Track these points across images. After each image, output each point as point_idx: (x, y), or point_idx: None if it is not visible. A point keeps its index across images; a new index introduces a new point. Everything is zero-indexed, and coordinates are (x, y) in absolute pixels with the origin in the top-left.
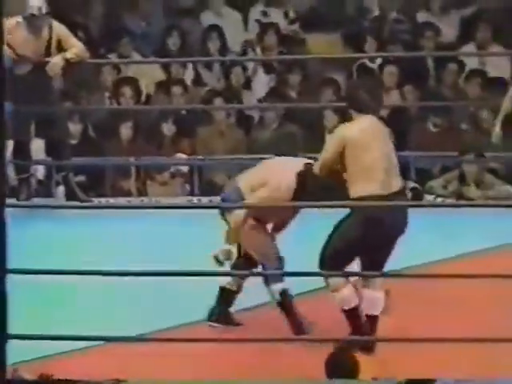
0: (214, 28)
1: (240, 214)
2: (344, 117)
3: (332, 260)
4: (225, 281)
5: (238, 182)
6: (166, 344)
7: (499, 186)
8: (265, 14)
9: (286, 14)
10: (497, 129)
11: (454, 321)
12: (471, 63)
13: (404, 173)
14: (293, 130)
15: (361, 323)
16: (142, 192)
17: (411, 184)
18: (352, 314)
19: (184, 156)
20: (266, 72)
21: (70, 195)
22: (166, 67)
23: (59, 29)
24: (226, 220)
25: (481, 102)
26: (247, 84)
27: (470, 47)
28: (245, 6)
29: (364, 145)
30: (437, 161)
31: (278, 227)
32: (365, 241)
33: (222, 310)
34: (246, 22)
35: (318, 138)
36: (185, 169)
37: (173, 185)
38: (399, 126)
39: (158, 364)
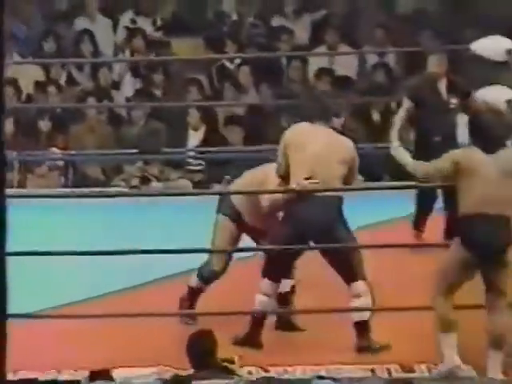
0: (86, 32)
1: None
2: (206, 115)
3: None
4: None
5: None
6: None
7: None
8: (133, 21)
9: (153, 22)
10: (394, 143)
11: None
12: (322, 63)
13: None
14: (158, 127)
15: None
16: (22, 184)
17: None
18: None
19: (58, 150)
20: (133, 74)
21: None
22: (45, 68)
23: None
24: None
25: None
26: (115, 84)
27: (321, 48)
28: (115, 13)
29: (298, 145)
30: None
31: None
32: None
33: None
34: (115, 27)
35: (181, 134)
36: (60, 162)
37: (50, 177)
38: (256, 122)
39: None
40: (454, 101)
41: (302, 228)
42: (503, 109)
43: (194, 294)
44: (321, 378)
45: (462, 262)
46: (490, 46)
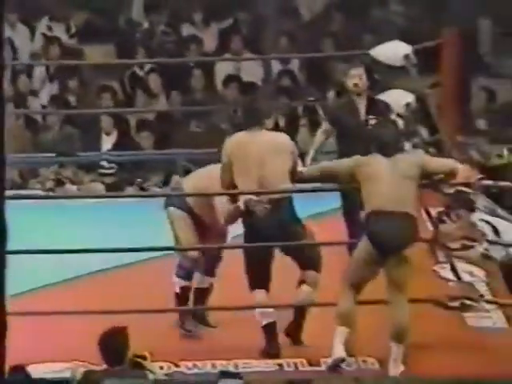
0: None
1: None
2: (118, 120)
3: None
4: None
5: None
6: None
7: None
8: (49, 28)
9: (67, 29)
10: (308, 161)
11: None
12: (229, 71)
13: (172, 169)
14: (72, 132)
15: None
16: None
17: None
18: None
19: None
20: (50, 80)
21: None
22: None
23: None
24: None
25: (238, 103)
26: (33, 91)
27: (227, 55)
28: (32, 21)
29: (240, 155)
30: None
31: None
32: None
33: None
34: (33, 34)
35: (94, 139)
36: None
37: None
38: (165, 127)
39: None
40: (372, 121)
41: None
42: (402, 112)
43: (183, 298)
44: (224, 373)
45: (367, 258)
46: (389, 52)
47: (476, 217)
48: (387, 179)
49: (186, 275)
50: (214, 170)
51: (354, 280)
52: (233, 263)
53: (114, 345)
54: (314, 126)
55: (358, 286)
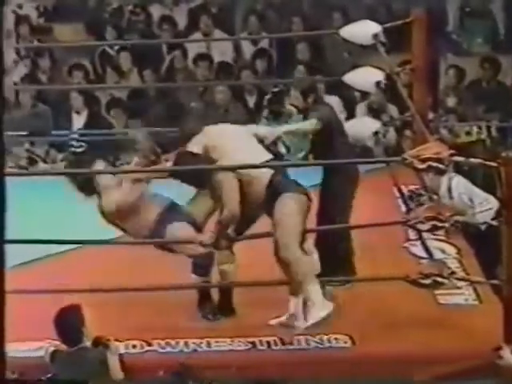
0: None
1: None
2: (89, 98)
3: None
4: None
5: None
6: None
7: None
8: (20, 6)
9: (37, 8)
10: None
11: None
12: (200, 49)
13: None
14: (44, 110)
15: None
16: None
17: None
18: None
19: None
20: (20, 59)
21: None
22: None
23: None
24: None
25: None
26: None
27: (197, 35)
28: None
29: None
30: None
31: None
32: None
33: None
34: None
35: (64, 116)
36: None
37: None
38: (137, 106)
39: None
40: None
41: None
42: (372, 90)
43: (205, 294)
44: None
45: (303, 209)
46: (358, 31)
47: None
48: None
49: (204, 272)
50: None
51: (300, 236)
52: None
53: (68, 323)
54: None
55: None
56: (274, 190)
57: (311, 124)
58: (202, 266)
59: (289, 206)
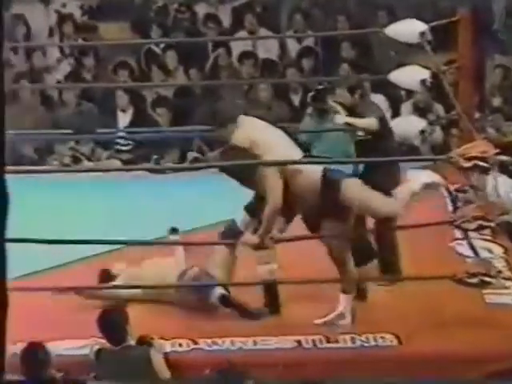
0: (19, 17)
1: None
2: (134, 96)
3: None
4: None
5: None
6: None
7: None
8: (64, 5)
9: (81, 7)
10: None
11: None
12: (245, 47)
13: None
14: (89, 108)
15: None
16: None
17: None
18: None
19: None
20: (65, 58)
21: None
22: None
23: None
24: None
25: (254, 80)
26: (48, 68)
27: (242, 33)
28: None
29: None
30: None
31: None
32: None
33: None
34: (47, 12)
35: (109, 114)
36: None
37: None
38: (183, 104)
39: None
40: None
41: None
42: (418, 89)
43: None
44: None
45: None
46: (404, 29)
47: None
48: None
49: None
50: None
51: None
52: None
53: (113, 321)
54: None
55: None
56: (331, 180)
57: (371, 124)
58: None
59: (359, 184)
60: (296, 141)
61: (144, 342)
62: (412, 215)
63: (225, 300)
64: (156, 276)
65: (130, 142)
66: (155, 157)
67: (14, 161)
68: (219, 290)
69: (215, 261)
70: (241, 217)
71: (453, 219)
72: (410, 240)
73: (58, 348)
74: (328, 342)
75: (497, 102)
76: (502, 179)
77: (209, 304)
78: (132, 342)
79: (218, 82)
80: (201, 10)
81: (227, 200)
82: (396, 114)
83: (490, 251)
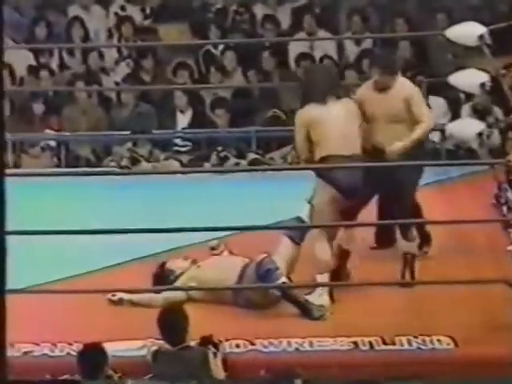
0: (76, 19)
1: None
2: (193, 98)
3: None
4: None
5: None
6: None
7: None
8: (122, 8)
9: (142, 10)
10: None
11: None
12: (302, 49)
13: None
14: (147, 110)
15: None
16: (17, 164)
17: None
18: None
19: (52, 132)
20: (124, 59)
21: None
22: (36, 54)
23: None
24: None
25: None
26: (105, 69)
27: (301, 35)
28: (107, 2)
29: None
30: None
31: None
32: None
33: None
34: (107, 15)
35: (169, 116)
36: (53, 143)
37: (43, 158)
38: (241, 105)
39: None
40: None
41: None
42: (477, 92)
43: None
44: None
45: (334, 205)
46: (463, 32)
47: None
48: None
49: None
50: None
51: (329, 231)
52: None
53: (173, 322)
54: None
55: (334, 235)
56: None
57: (429, 125)
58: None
59: None
60: None
61: (203, 342)
62: (467, 217)
63: (285, 293)
64: (216, 277)
65: (188, 143)
66: (220, 149)
67: (70, 162)
68: (282, 278)
69: (280, 254)
70: (305, 212)
71: (506, 220)
72: (466, 243)
73: (115, 349)
74: (384, 343)
75: None
76: None
77: (269, 296)
78: (191, 343)
79: (275, 84)
80: (259, 11)
81: (287, 200)
82: (455, 116)
83: None
